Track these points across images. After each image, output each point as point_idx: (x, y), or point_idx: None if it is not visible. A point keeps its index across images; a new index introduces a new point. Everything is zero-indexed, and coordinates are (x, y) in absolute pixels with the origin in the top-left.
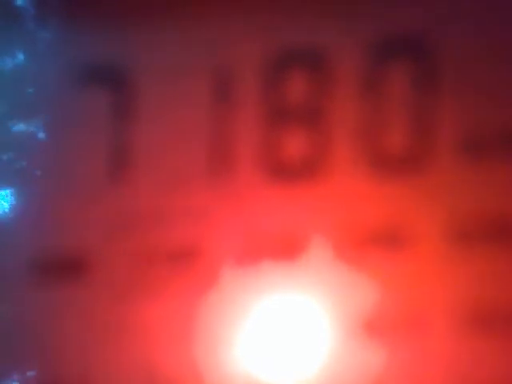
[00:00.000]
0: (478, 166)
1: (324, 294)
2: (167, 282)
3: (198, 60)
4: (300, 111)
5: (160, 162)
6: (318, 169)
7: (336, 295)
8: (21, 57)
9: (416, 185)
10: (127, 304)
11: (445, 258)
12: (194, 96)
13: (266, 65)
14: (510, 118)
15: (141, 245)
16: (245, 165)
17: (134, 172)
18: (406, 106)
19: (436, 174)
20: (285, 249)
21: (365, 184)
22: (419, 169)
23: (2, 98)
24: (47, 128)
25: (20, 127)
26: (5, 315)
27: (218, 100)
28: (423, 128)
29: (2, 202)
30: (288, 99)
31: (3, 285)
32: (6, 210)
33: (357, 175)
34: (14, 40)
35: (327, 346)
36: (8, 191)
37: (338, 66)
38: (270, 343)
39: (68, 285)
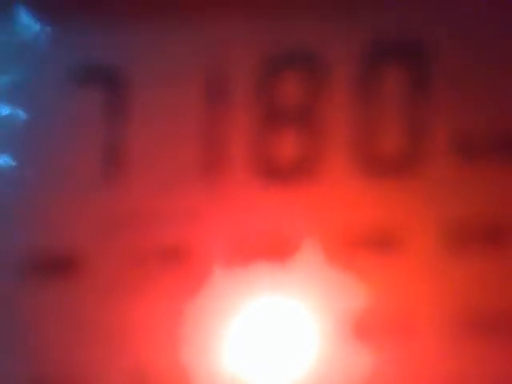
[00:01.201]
0: (471, 170)
1: (315, 296)
2: (158, 281)
3: (191, 61)
4: (294, 113)
5: (153, 162)
6: (311, 171)
7: (328, 298)
8: (16, 57)
9: (409, 188)
10: (118, 303)
11: (438, 261)
12: (188, 97)
13: (260, 67)
14: (504, 121)
15: (132, 244)
16: (238, 166)
17: (127, 172)
18: (400, 109)
19: (429, 176)
20: (276, 250)
21: (358, 186)
22: (413, 171)
23: None
24: (41, 127)
25: (12, 126)
26: None
27: (212, 101)
28: (417, 131)
29: None
30: (282, 101)
31: None
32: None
33: (350, 178)
34: (8, 40)
35: (318, 349)
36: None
37: (332, 68)
38: (259, 344)
39: (58, 284)
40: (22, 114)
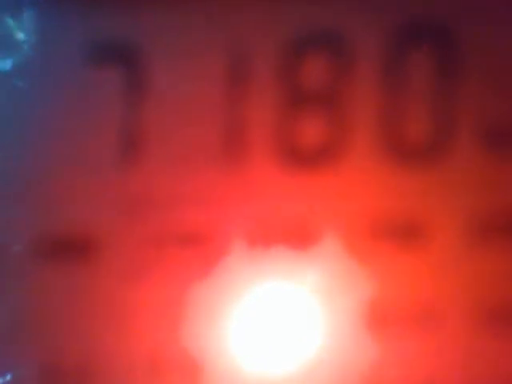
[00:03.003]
0: (499, 158)
1: (336, 284)
2: (176, 265)
3: (213, 42)
4: (318, 96)
5: (172, 145)
6: (335, 156)
7: (348, 287)
8: (32, 35)
9: (437, 174)
10: (135, 287)
11: (463, 251)
12: (209, 78)
13: (283, 48)
14: None
15: (150, 227)
16: (259, 149)
17: (145, 154)
18: (428, 95)
19: (457, 163)
20: (297, 237)
21: (383, 172)
22: (440, 157)
23: (14, 73)
24: (59, 108)
25: (29, 106)
26: (9, 296)
27: (234, 83)
28: (445, 116)
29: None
30: (306, 84)
31: (9, 266)
32: (16, 190)
33: (375, 163)
34: (25, 17)
35: (337, 338)
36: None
37: (358, 49)
38: (277, 331)
39: (75, 267)
40: (38, 95)
